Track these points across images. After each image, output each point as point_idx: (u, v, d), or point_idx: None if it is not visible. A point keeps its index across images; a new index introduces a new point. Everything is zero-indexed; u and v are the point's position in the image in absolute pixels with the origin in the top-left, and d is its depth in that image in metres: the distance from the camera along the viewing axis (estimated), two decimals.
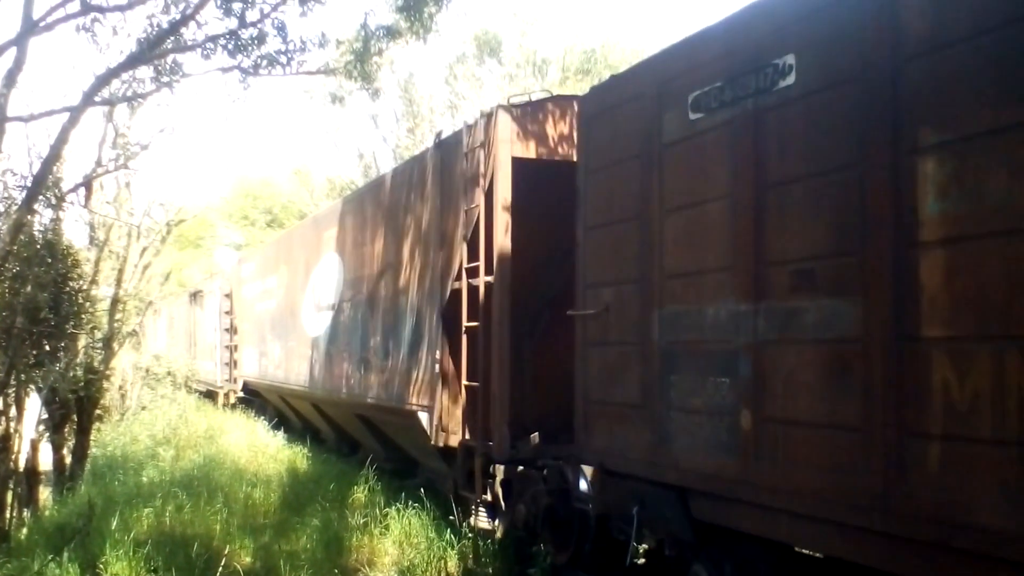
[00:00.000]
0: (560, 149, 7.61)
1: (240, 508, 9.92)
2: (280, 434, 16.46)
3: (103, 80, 9.81)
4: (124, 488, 11.21)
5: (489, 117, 7.55)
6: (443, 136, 8.70)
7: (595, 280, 5.89)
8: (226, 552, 8.07)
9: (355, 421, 11.19)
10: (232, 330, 19.64)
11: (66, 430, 14.09)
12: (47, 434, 13.54)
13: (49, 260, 12.02)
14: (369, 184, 10.43)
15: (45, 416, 13.38)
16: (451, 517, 8.49)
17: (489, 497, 7.75)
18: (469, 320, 7.68)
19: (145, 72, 10.92)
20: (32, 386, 12.45)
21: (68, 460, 13.97)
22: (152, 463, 13.62)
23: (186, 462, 13.53)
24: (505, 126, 7.38)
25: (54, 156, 9.81)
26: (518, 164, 7.44)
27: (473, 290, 7.63)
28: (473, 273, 7.57)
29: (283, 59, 11.07)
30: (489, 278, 7.20)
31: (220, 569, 7.79)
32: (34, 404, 13.07)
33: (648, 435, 5.17)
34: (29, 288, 11.10)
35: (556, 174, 7.28)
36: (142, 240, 17.32)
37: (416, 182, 8.92)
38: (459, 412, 7.99)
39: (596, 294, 5.84)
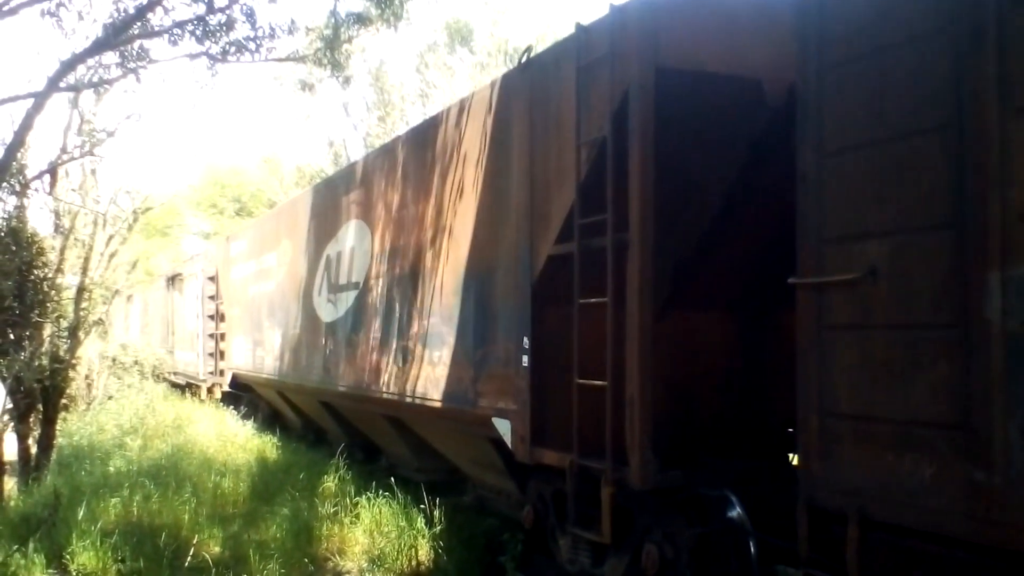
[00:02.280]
0: (707, 57, 5.35)
1: (209, 498, 9.65)
2: (250, 424, 15.74)
3: (68, 66, 9.65)
4: (91, 478, 10.86)
5: (620, 13, 5.30)
6: (533, 54, 6.33)
7: (845, 230, 3.86)
8: (195, 542, 7.94)
9: (382, 424, 8.97)
10: (218, 317, 17.30)
11: (31, 420, 13.90)
12: (12, 424, 13.37)
13: (13, 248, 11.84)
14: (409, 132, 8.19)
15: (10, 406, 13.23)
16: (422, 506, 8.19)
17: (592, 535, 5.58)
18: (584, 295, 5.41)
19: (111, 58, 10.73)
20: None
21: (34, 450, 13.78)
22: (119, 453, 13.12)
23: (154, 452, 13.12)
24: (644, 23, 5.12)
25: (18, 142, 9.65)
26: (665, 77, 5.10)
27: (592, 254, 5.39)
28: (592, 231, 5.34)
29: (252, 45, 10.88)
30: (623, 235, 5.07)
31: (188, 559, 7.62)
32: None
33: (973, 473, 3.27)
34: None
35: (701, 91, 5.26)
36: (108, 228, 17.04)
37: (488, 120, 6.66)
38: (563, 419, 5.71)
39: (846, 252, 3.84)
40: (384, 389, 8.16)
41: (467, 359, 6.68)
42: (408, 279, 7.80)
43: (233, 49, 10.54)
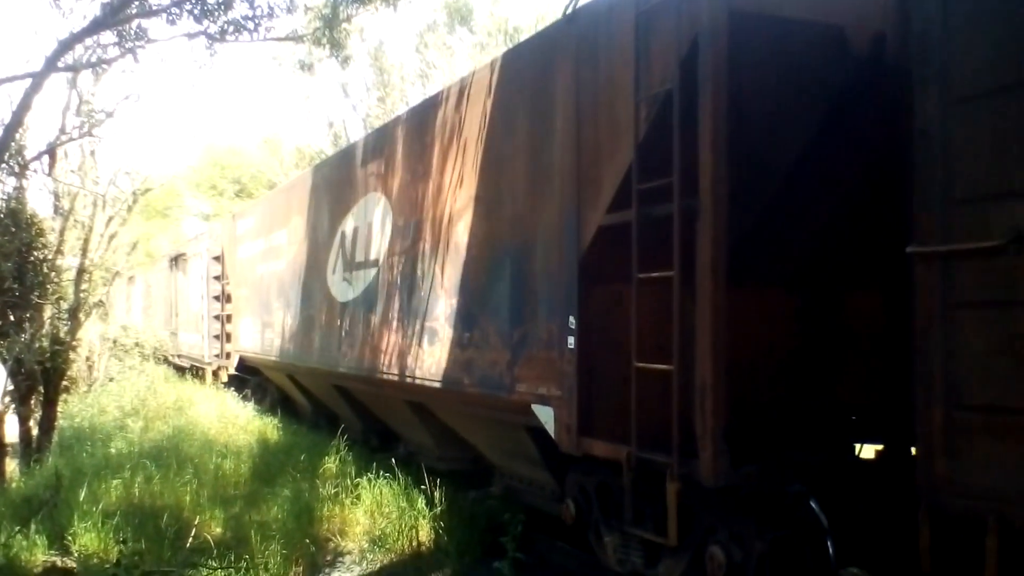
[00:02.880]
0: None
1: (210, 479, 9.55)
2: (251, 406, 15.48)
3: (66, 45, 9.53)
4: (92, 460, 10.75)
5: None
6: (582, 3, 5.65)
7: (979, 190, 3.28)
8: (196, 523, 7.91)
9: (402, 409, 8.38)
10: (224, 298, 16.67)
11: (32, 402, 13.87)
12: (13, 406, 13.34)
13: (13, 229, 11.77)
14: (434, 97, 7.56)
15: (11, 388, 13.22)
16: (422, 487, 8.11)
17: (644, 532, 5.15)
18: (643, 268, 4.84)
19: (109, 38, 10.63)
20: None
21: (35, 432, 13.77)
22: (120, 434, 13.07)
23: (155, 433, 13.03)
24: None
25: (16, 123, 9.56)
26: (738, 22, 4.49)
27: (652, 223, 4.80)
28: (653, 197, 4.74)
29: (250, 25, 10.72)
30: (691, 201, 4.47)
31: (190, 540, 7.56)
32: None
33: None
34: None
35: (777, 38, 4.72)
36: (108, 209, 16.92)
37: (529, 79, 6.00)
38: (614, 407, 5.23)
39: (981, 215, 3.25)
40: (406, 373, 7.54)
41: (502, 341, 6.06)
42: (433, 255, 7.15)
43: (231, 29, 10.39)
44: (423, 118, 7.62)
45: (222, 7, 10.10)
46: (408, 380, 7.56)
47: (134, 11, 9.71)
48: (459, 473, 8.37)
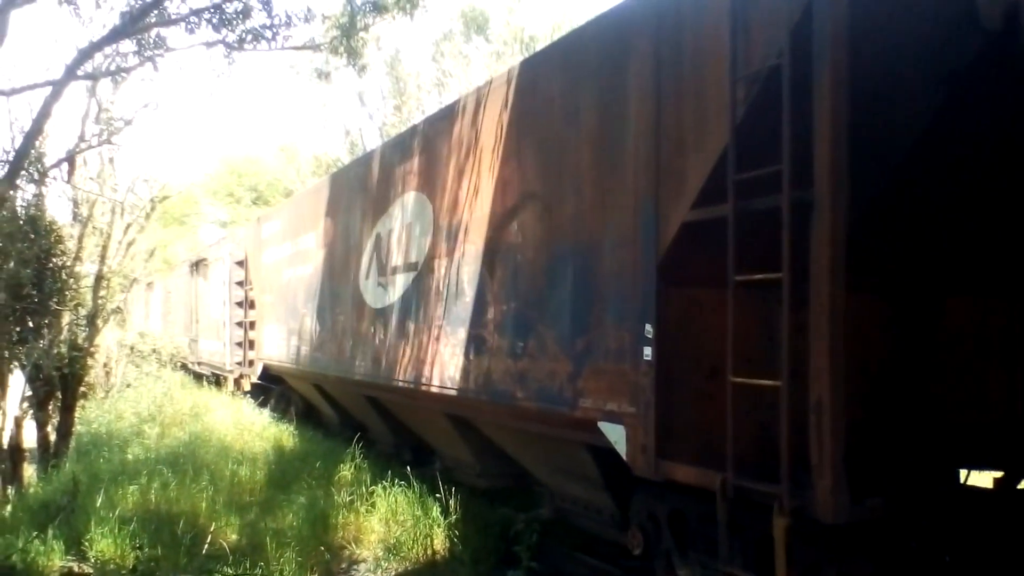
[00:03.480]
0: None
1: (226, 486, 9.45)
2: (266, 412, 15.22)
3: (86, 54, 9.57)
4: (109, 465, 10.65)
5: None
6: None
7: None
8: (212, 529, 7.84)
9: (440, 423, 7.75)
10: (247, 304, 15.97)
11: (50, 407, 13.88)
12: (31, 411, 13.36)
13: (32, 236, 11.83)
14: (483, 88, 6.96)
15: (29, 393, 13.27)
16: (437, 495, 8.03)
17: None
18: (741, 271, 4.17)
19: (128, 46, 10.66)
20: (16, 363, 12.34)
21: (52, 437, 13.76)
22: (137, 440, 13.00)
23: (171, 439, 12.90)
24: None
25: (36, 130, 9.60)
26: None
27: (748, 218, 4.15)
28: (753, 189, 4.09)
29: (268, 34, 10.76)
30: (804, 192, 3.86)
31: (206, 546, 7.50)
32: (18, 381, 13.00)
33: None
34: (12, 264, 10.97)
35: (897, 7, 4.06)
36: (126, 216, 16.92)
37: (596, 61, 5.36)
38: (697, 426, 4.66)
39: None
40: (448, 385, 6.92)
41: (563, 351, 5.42)
42: (482, 257, 6.50)
43: (250, 37, 10.43)
44: (472, 111, 7.00)
45: (240, 16, 10.15)
46: (450, 392, 6.93)
47: (153, 20, 9.76)
48: (500, 491, 7.93)
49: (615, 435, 4.95)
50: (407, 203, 8.06)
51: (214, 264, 19.54)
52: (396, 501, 8.20)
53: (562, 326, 5.48)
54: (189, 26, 9.93)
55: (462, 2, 27.60)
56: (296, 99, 61.42)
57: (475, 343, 6.57)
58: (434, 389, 7.23)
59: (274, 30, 10.48)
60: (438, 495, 7.94)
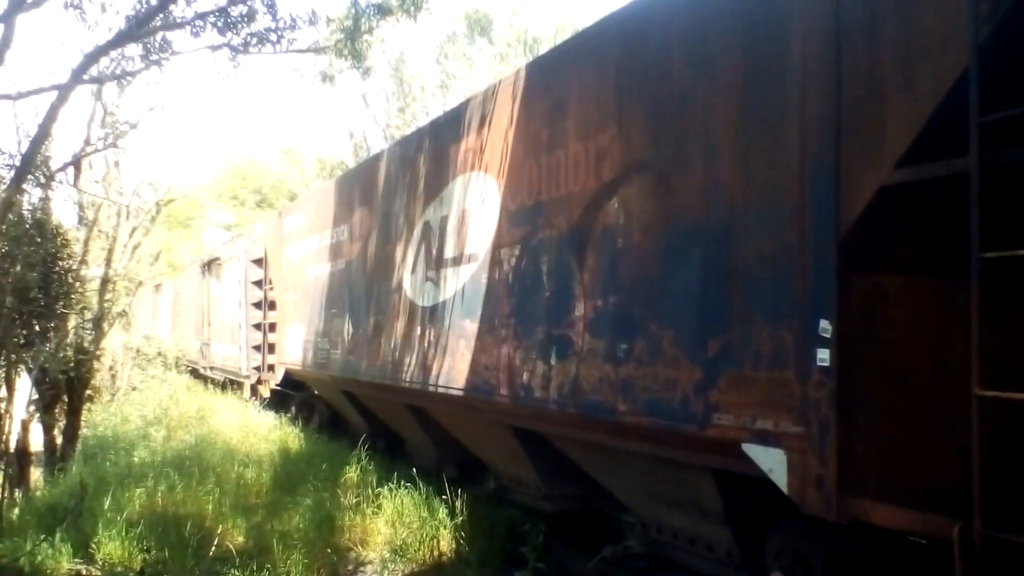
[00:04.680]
0: None
1: (232, 488, 9.32)
2: (271, 415, 14.79)
3: (92, 58, 9.55)
4: (116, 468, 10.45)
5: None
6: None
7: None
8: (219, 532, 7.65)
9: (502, 438, 6.73)
10: (266, 305, 15.01)
11: (57, 411, 13.92)
12: (37, 415, 13.38)
13: (38, 239, 11.82)
14: (566, 44, 6.16)
15: (35, 397, 13.28)
16: (443, 496, 7.92)
17: None
18: (984, 245, 2.99)
19: (134, 50, 10.66)
20: (22, 366, 12.37)
21: (59, 441, 13.82)
22: (143, 443, 12.74)
23: (177, 442, 12.69)
24: None
25: (43, 135, 9.57)
26: None
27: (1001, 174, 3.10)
28: (999, 135, 2.99)
29: (273, 37, 10.68)
30: None
31: (213, 549, 7.32)
32: (24, 385, 13.03)
33: None
34: (18, 268, 10.97)
35: None
36: (131, 220, 17.08)
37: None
38: (886, 449, 3.57)
39: None
40: (520, 394, 5.85)
41: (686, 354, 4.33)
42: (568, 243, 5.40)
43: (254, 40, 10.37)
44: (553, 70, 5.86)
45: (245, 19, 10.10)
46: (522, 404, 5.83)
47: (159, 24, 9.73)
48: (567, 515, 6.92)
49: (770, 461, 3.84)
50: (465, 186, 6.91)
51: (228, 263, 18.39)
52: (402, 503, 8.02)
53: (685, 324, 4.35)
54: (194, 30, 9.89)
55: (465, 4, 27.51)
56: (300, 102, 61.50)
57: (557, 346, 5.44)
58: (500, 399, 6.11)
59: (279, 33, 10.42)
60: (444, 497, 7.82)
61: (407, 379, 7.80)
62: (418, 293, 7.76)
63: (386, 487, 8.36)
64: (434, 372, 7.25)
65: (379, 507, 8.21)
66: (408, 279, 8.01)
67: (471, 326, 6.66)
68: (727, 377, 4.11)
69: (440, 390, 7.14)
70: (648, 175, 4.73)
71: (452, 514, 7.51)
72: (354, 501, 8.42)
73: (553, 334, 5.53)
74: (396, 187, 8.48)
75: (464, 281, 6.84)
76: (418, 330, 7.66)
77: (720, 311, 4.18)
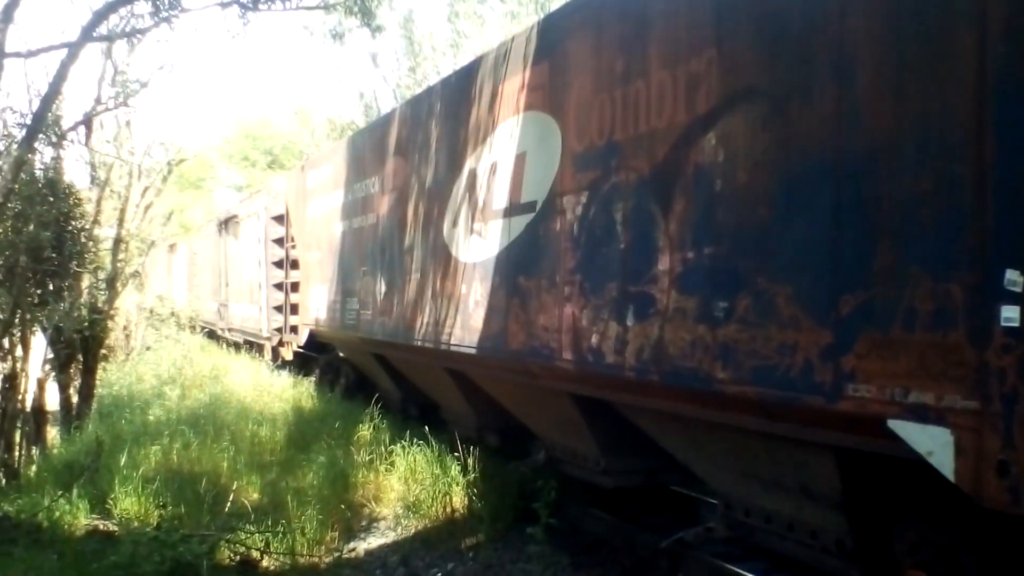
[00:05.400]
0: None
1: (247, 446, 9.37)
2: (284, 374, 14.76)
3: (101, 15, 9.49)
4: (131, 427, 10.52)
5: None
6: None
7: None
8: (234, 488, 7.75)
9: (559, 404, 6.02)
10: (287, 264, 14.35)
11: (72, 370, 14.01)
12: (53, 374, 13.49)
13: (51, 199, 11.82)
14: None
15: (51, 356, 13.41)
16: (456, 454, 7.72)
17: None
18: None
19: (144, 7, 10.62)
20: (37, 326, 12.44)
21: (75, 399, 13.91)
22: (158, 402, 12.73)
23: (192, 401, 12.71)
24: None
25: (53, 93, 9.54)
26: None
27: None
28: None
29: None
30: None
31: (228, 505, 7.42)
32: (39, 344, 13.12)
33: None
34: (31, 227, 11.00)
35: None
36: (143, 180, 17.17)
37: None
38: None
39: None
40: (588, 358, 5.15)
41: (808, 313, 3.63)
42: (650, 188, 4.65)
43: None
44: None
45: None
46: (590, 370, 5.18)
47: None
48: (627, 491, 6.32)
49: (928, 442, 3.16)
50: (519, 128, 6.15)
51: (247, 221, 17.49)
52: (415, 460, 7.92)
53: (808, 277, 3.65)
54: None
55: None
56: (310, 62, 61.21)
57: (636, 304, 4.72)
58: (561, 365, 5.41)
59: None
60: (456, 454, 7.72)
61: (449, 341, 7.10)
62: (461, 248, 7.02)
63: (399, 444, 8.36)
64: (481, 334, 6.52)
65: (392, 464, 8.20)
66: (449, 233, 7.27)
67: (526, 283, 5.93)
68: (867, 340, 3.39)
69: (487, 354, 6.44)
70: (758, 103, 3.95)
71: (464, 471, 7.53)
72: (367, 458, 8.44)
73: (630, 291, 4.79)
74: (435, 133, 7.71)
75: (517, 234, 6.11)
76: (462, 288, 6.92)
77: (858, 261, 3.43)
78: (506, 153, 6.32)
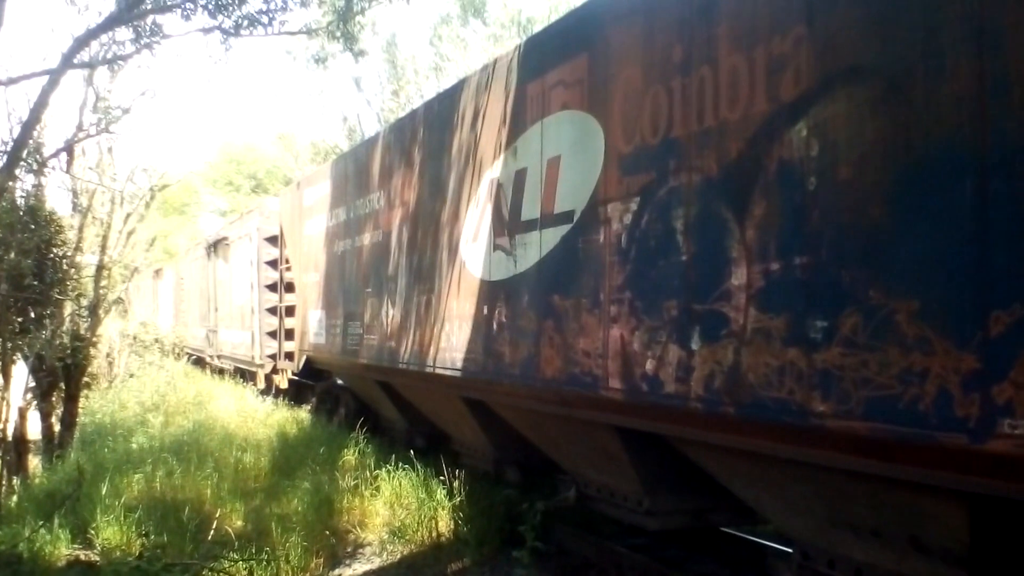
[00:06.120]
0: None
1: (231, 473, 9.04)
2: (268, 399, 14.55)
3: (82, 42, 9.44)
4: (114, 455, 10.20)
5: None
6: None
7: None
8: (217, 516, 7.45)
9: (598, 438, 5.39)
10: (282, 287, 13.79)
11: (54, 398, 13.87)
12: (35, 402, 13.37)
13: (32, 226, 11.78)
14: None
15: (32, 384, 13.28)
16: (441, 477, 7.63)
17: None
18: None
19: (125, 34, 10.56)
20: (18, 353, 12.33)
21: (57, 428, 13.81)
22: (141, 429, 12.45)
23: (175, 428, 12.45)
24: None
25: (34, 120, 9.46)
26: None
27: None
28: None
29: (265, 19, 10.53)
30: None
31: (212, 533, 7.13)
32: (21, 372, 13.01)
33: None
34: (12, 254, 10.92)
35: None
36: (126, 206, 17.04)
37: None
38: None
39: None
40: (643, 387, 4.51)
41: (948, 333, 3.00)
42: (720, 190, 4.02)
43: (246, 23, 10.25)
44: None
45: (237, 1, 10.08)
46: (644, 401, 4.52)
47: (149, 6, 9.65)
48: (672, 534, 5.85)
49: None
50: (551, 130, 5.52)
51: (238, 243, 16.73)
52: (400, 485, 7.75)
53: (939, 290, 3.02)
54: (185, 12, 9.75)
55: None
56: (293, 86, 61.27)
57: (703, 325, 4.08)
58: (608, 394, 4.75)
59: (270, 15, 10.30)
60: (442, 478, 7.62)
61: (468, 368, 6.45)
62: (483, 265, 6.36)
63: (384, 469, 8.29)
64: (507, 360, 5.86)
65: (377, 489, 8.08)
66: (467, 249, 6.61)
67: (562, 303, 5.28)
68: None
69: (515, 382, 5.80)
70: (866, 85, 3.33)
71: (450, 495, 7.49)
72: (352, 484, 8.32)
73: (695, 310, 4.15)
74: (449, 142, 7.09)
75: (550, 248, 5.47)
76: (483, 309, 6.27)
77: (1014, 269, 2.80)
78: (535, 159, 5.69)
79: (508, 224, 6.00)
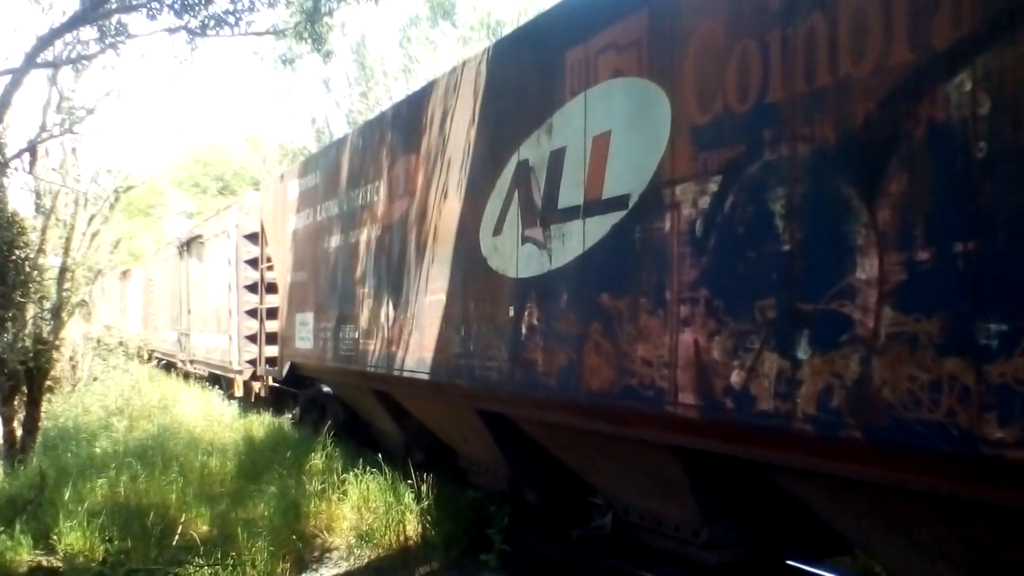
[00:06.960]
0: None
1: (196, 477, 8.94)
2: (234, 404, 14.73)
3: (46, 41, 9.38)
4: (77, 459, 9.97)
5: None
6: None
7: None
8: (182, 521, 7.42)
9: (660, 462, 4.62)
10: (263, 287, 12.91)
11: (16, 402, 13.69)
12: None
13: None
14: None
15: None
16: (409, 481, 7.62)
17: None
18: None
19: (89, 33, 10.47)
20: None
21: (19, 432, 13.66)
22: (105, 434, 12.31)
23: (140, 432, 12.28)
24: None
25: None
26: None
27: None
28: None
29: (231, 19, 10.45)
30: None
31: (176, 538, 7.06)
32: None
33: None
34: None
35: None
36: (90, 207, 16.86)
37: None
38: None
39: None
40: (726, 404, 3.77)
41: None
42: (841, 164, 3.27)
43: (212, 23, 10.21)
44: None
45: (203, 1, 10.06)
46: (729, 420, 3.76)
47: (114, 6, 9.61)
48: (731, 568, 4.84)
49: None
50: (600, 100, 4.69)
51: (214, 241, 15.74)
52: (368, 488, 7.68)
53: None
54: (151, 12, 9.70)
55: None
56: (261, 87, 60.95)
57: (813, 328, 3.32)
58: (676, 411, 3.99)
59: (237, 15, 10.25)
60: (410, 481, 7.59)
61: (488, 378, 5.64)
62: (507, 260, 5.51)
63: (351, 473, 8.24)
64: (540, 369, 5.05)
65: (345, 493, 8.05)
66: (489, 243, 5.76)
67: (613, 303, 4.46)
68: None
69: (551, 395, 5.00)
70: None
71: (418, 499, 7.48)
72: (319, 488, 8.29)
73: (801, 311, 3.37)
74: (469, 118, 6.19)
75: (598, 239, 4.63)
76: (509, 312, 5.44)
77: None
78: (576, 136, 4.86)
79: (541, 213, 5.19)
